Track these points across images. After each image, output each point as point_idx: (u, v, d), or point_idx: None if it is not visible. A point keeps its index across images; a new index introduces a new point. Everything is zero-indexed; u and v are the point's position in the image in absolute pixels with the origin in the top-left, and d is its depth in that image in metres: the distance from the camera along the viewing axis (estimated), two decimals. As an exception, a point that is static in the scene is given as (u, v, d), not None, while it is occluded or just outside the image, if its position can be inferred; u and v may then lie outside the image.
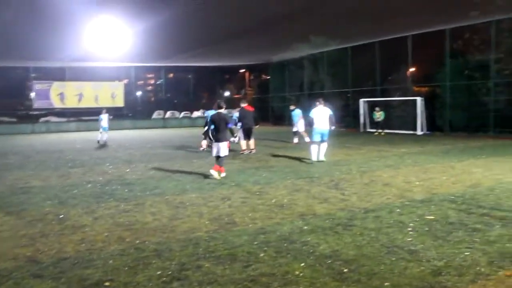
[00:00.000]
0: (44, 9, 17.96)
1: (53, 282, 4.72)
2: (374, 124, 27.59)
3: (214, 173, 11.12)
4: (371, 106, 29.01)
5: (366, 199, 8.47)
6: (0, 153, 19.10)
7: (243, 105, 16.72)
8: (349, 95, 33.38)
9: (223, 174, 11.35)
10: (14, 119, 40.59)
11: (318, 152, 13.89)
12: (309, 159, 14.06)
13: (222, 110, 11.69)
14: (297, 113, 20.45)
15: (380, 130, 26.81)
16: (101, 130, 23.31)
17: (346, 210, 7.61)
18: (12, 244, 6.12)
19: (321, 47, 32.24)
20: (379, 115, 26.63)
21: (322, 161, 13.87)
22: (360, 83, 32.86)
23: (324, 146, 14.01)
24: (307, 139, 18.77)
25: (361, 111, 29.57)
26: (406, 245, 5.62)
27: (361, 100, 29.76)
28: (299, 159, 14.69)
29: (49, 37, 24.27)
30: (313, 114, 14.02)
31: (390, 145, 19.17)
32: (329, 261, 5.14)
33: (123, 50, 28.67)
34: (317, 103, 14.33)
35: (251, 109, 16.86)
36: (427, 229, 6.33)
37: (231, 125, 11.63)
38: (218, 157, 11.34)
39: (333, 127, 14.21)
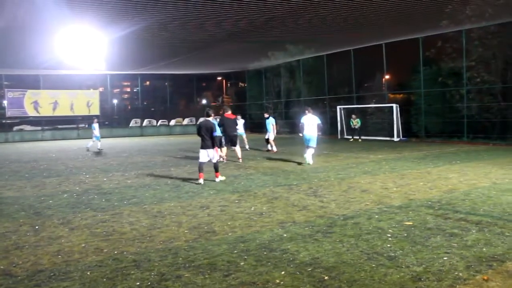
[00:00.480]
0: (18, 16, 17.65)
1: (29, 296, 4.61)
2: (351, 131, 27.87)
3: (221, 178, 11.99)
4: (348, 113, 29.32)
5: (345, 206, 8.51)
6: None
7: (226, 112, 16.31)
8: (325, 102, 33.65)
9: (221, 178, 12.06)
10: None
11: (308, 157, 15.14)
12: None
13: (210, 118, 12.10)
14: (270, 121, 20.78)
15: (356, 137, 27.12)
16: (93, 139, 23.55)
17: (326, 217, 7.63)
18: (-15, 257, 5.96)
19: (297, 55, 32.48)
20: (356, 122, 27.11)
21: (308, 163, 15.00)
22: (337, 90, 33.22)
23: (311, 151, 15.15)
24: (274, 148, 20.15)
25: (338, 117, 29.83)
26: (385, 251, 5.66)
27: (338, 107, 30.03)
28: (276, 167, 14.71)
29: (23, 45, 23.87)
30: (303, 120, 15.21)
31: (368, 152, 19.36)
32: (309, 269, 5.13)
33: (98, 58, 28.35)
34: (306, 111, 15.48)
35: (232, 116, 16.57)
36: (405, 235, 6.39)
37: (215, 134, 11.81)
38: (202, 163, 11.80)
39: (319, 133, 15.30)
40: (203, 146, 11.67)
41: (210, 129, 11.61)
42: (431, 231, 6.52)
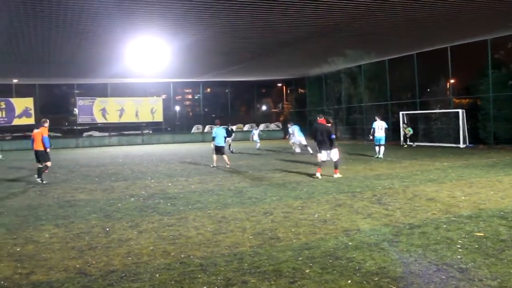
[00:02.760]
0: (87, 29, 18.58)
1: (103, 295, 4.81)
2: (405, 138, 27.92)
3: (339, 175, 13.63)
4: (412, 119, 28.65)
5: (411, 214, 8.29)
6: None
7: (319, 119, 15.44)
8: (387, 107, 32.95)
9: (339, 175, 13.67)
10: (59, 134, 42.04)
11: (379, 151, 19.81)
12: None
13: (326, 123, 14.00)
14: (295, 128, 24.15)
15: (410, 143, 27.35)
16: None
17: (391, 225, 7.47)
18: (62, 256, 6.28)
19: (358, 60, 32.05)
20: (407, 131, 27.19)
21: (380, 157, 19.55)
22: (399, 95, 32.46)
23: (382, 148, 19.81)
24: (297, 150, 23.41)
25: (401, 124, 29.13)
26: (455, 263, 5.46)
27: (401, 113, 29.33)
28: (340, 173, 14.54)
29: (93, 56, 25.08)
30: (374, 125, 20.11)
31: (432, 159, 18.77)
32: (376, 278, 5.04)
33: (162, 67, 29.28)
34: (376, 118, 20.56)
35: (324, 122, 15.47)
36: (477, 246, 6.13)
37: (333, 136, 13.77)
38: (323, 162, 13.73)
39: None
40: (322, 148, 13.45)
41: (326, 132, 13.42)
42: (505, 244, 6.22)
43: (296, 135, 23.91)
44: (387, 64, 32.38)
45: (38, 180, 14.26)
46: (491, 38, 24.57)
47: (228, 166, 17.23)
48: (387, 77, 32.61)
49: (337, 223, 7.72)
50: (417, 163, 17.43)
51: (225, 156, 17.57)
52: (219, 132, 17.78)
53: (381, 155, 19.62)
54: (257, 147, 27.34)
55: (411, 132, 27.39)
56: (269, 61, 29.63)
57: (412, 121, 28.73)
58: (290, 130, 25.40)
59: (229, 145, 24.59)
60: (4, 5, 15.02)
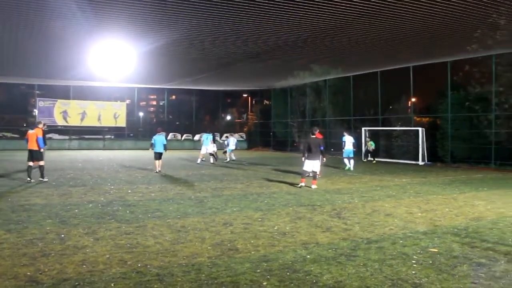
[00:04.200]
0: (51, 30, 18.20)
1: (54, 304, 4.67)
2: (366, 152, 28.10)
3: (315, 186, 14.37)
4: (373, 135, 29.22)
5: (369, 229, 8.42)
6: (1, 169, 19.09)
7: (316, 132, 15.33)
8: (350, 123, 33.50)
9: (315, 186, 14.31)
10: (16, 135, 40.75)
11: (349, 164, 21.54)
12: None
13: (314, 136, 14.77)
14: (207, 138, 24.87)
15: (371, 159, 27.62)
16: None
17: (349, 240, 7.56)
18: (12, 262, 6.06)
19: (324, 75, 32.53)
20: (369, 145, 27.45)
21: (351, 169, 21.10)
22: (362, 111, 33.11)
23: (352, 161, 21.66)
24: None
25: (363, 139, 29.67)
26: (410, 278, 5.56)
27: (363, 129, 29.88)
28: (292, 184, 14.64)
29: (55, 57, 24.53)
30: (345, 139, 22.07)
31: (392, 175, 19.17)
32: (332, 292, 5.08)
33: (126, 72, 28.91)
34: (345, 133, 22.80)
35: (320, 136, 16.48)
36: (431, 262, 6.28)
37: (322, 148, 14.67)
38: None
39: (355, 149, 22.28)
40: (310, 158, 14.18)
41: (318, 144, 14.45)
42: (457, 260, 6.40)
43: (230, 145, 26.28)
44: (352, 80, 33.04)
45: (30, 179, 14.86)
46: (451, 60, 25.42)
47: (158, 170, 18.78)
48: (351, 92, 33.26)
49: (296, 236, 7.76)
50: (377, 178, 17.76)
51: (160, 161, 19.10)
52: (158, 139, 19.21)
53: (352, 167, 21.26)
54: (228, 159, 26.42)
55: (373, 146, 27.81)
56: (235, 71, 29.71)
57: (373, 137, 29.30)
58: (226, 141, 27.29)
59: (215, 152, 25.03)
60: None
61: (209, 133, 25.69)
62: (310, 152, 14.29)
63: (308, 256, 6.50)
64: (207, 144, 24.58)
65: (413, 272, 5.81)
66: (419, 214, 10.07)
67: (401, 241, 7.46)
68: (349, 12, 15.38)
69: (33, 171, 15.24)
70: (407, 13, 15.53)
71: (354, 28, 17.62)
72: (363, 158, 28.56)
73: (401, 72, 28.99)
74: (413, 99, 30.76)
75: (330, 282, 5.39)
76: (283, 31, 18.12)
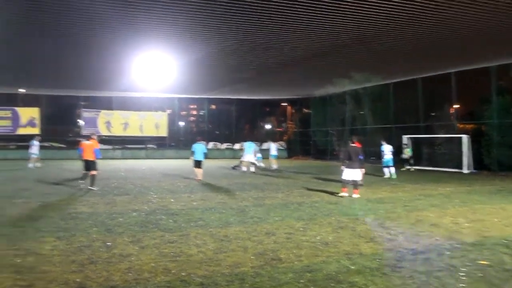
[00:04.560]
0: (95, 44, 18.80)
1: (102, 311, 4.78)
2: (403, 161, 27.43)
3: (357, 195, 14.15)
4: (414, 143, 28.64)
5: (414, 239, 8.24)
6: (49, 179, 19.74)
7: (355, 141, 15.44)
8: (391, 131, 32.95)
9: (357, 195, 14.11)
10: (63, 145, 42.13)
11: (389, 172, 21.68)
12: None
13: (353, 144, 14.75)
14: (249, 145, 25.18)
15: (409, 167, 26.95)
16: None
17: (394, 250, 7.42)
18: (62, 269, 6.26)
19: (363, 83, 32.16)
20: (406, 152, 26.75)
21: (394, 177, 21.24)
22: (403, 119, 32.49)
23: (393, 169, 21.75)
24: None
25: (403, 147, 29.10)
26: (459, 291, 5.42)
27: (404, 137, 29.32)
28: (333, 193, 14.50)
29: (99, 69, 25.26)
30: (383, 148, 22.24)
31: (436, 184, 18.71)
32: (378, 304, 5.00)
33: (168, 82, 29.46)
34: (383, 142, 22.77)
35: (358, 145, 16.12)
36: (481, 275, 6.08)
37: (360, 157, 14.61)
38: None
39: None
40: (350, 166, 14.16)
41: (357, 153, 14.39)
42: (510, 273, 6.17)
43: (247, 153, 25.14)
44: (392, 87, 32.51)
45: (82, 185, 15.99)
46: (495, 65, 24.68)
47: (198, 178, 19.22)
48: (391, 100, 32.72)
49: (339, 246, 7.68)
50: (420, 187, 17.38)
51: (201, 170, 19.41)
52: (197, 147, 19.60)
53: (394, 176, 21.39)
54: (255, 167, 26.24)
55: (410, 154, 27.17)
56: (275, 80, 29.78)
57: (415, 145, 28.69)
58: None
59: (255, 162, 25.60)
60: (11, 17, 15.20)
61: (251, 141, 26.03)
62: (349, 160, 14.28)
63: (352, 267, 6.43)
64: (250, 152, 24.86)
65: (462, 285, 5.66)
66: (466, 224, 9.79)
67: (448, 253, 7.27)
68: (390, 18, 15.20)
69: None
70: (450, 18, 15.22)
71: (395, 34, 17.37)
72: (403, 168, 28.02)
73: (442, 78, 28.34)
74: (456, 106, 29.98)
75: (376, 294, 5.30)
76: (323, 38, 18.03)
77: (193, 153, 19.69)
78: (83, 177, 16.25)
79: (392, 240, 8.20)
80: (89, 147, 16.01)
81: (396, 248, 7.60)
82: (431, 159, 29.13)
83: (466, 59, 23.07)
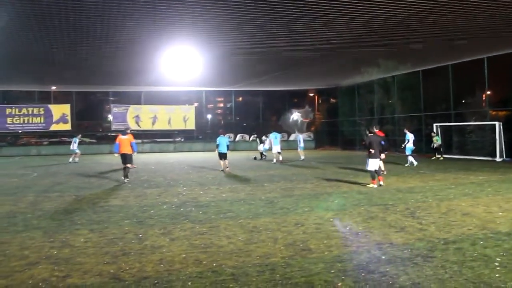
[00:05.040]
0: (124, 39, 19.04)
1: (136, 301, 4.88)
2: (432, 149, 26.90)
3: (382, 182, 14.41)
4: (445, 131, 28.12)
5: (446, 229, 8.12)
6: (82, 173, 20.19)
7: (376, 131, 15.58)
8: (421, 119, 32.41)
9: (382, 182, 14.38)
10: (94, 140, 42.98)
11: (411, 161, 21.67)
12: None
13: (375, 134, 14.65)
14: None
15: (438, 156, 26.29)
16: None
17: (425, 240, 7.33)
18: (96, 260, 6.41)
19: (392, 71, 31.69)
20: (435, 140, 26.19)
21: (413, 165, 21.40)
22: (433, 107, 31.91)
23: (411, 157, 21.89)
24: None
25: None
26: (494, 281, 5.30)
27: (435, 125, 28.81)
28: (363, 184, 14.39)
29: (128, 65, 25.60)
30: (409, 137, 22.23)
31: (467, 172, 18.35)
32: (410, 294, 4.95)
33: (195, 75, 29.62)
34: (406, 130, 22.90)
35: (381, 134, 16.55)
36: (516, 264, 5.96)
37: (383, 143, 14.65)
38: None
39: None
40: (374, 156, 14.05)
41: (379, 142, 14.31)
42: (546, 262, 6.03)
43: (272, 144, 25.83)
44: (421, 74, 31.95)
45: (125, 180, 16.38)
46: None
47: (227, 170, 19.86)
48: (421, 88, 32.15)
49: (370, 236, 7.63)
50: (451, 176, 17.08)
51: (226, 161, 20.11)
52: (222, 140, 20.25)
53: (415, 163, 21.47)
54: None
55: (439, 142, 26.58)
56: (302, 70, 29.61)
57: (446, 133, 28.16)
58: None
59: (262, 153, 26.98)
60: (42, 16, 15.51)
61: (275, 132, 26.32)
62: (373, 150, 14.11)
63: (383, 257, 6.38)
64: (277, 143, 25.25)
65: (497, 275, 5.54)
66: (500, 213, 9.57)
67: (481, 242, 7.14)
68: (420, 4, 14.91)
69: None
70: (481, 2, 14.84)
71: (426, 20, 17.03)
72: (435, 156, 27.57)
73: (474, 64, 27.66)
74: (488, 92, 29.27)
75: (407, 284, 5.26)
76: (354, 27, 17.82)
77: (217, 146, 20.34)
78: (125, 173, 16.59)
79: (423, 229, 8.10)
80: (126, 141, 16.59)
81: (428, 238, 7.50)
82: (462, 147, 28.57)
83: (499, 43, 22.44)
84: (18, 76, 30.35)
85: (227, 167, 19.87)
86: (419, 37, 19.82)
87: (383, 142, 14.58)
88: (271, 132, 26.46)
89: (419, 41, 20.83)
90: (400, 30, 18.48)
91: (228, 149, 20.29)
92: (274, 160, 24.97)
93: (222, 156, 20.13)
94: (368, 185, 14.31)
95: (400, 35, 19.47)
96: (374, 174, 14.29)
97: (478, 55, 26.37)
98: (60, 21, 16.16)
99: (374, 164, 14.16)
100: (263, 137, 28.73)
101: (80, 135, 29.27)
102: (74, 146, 27.37)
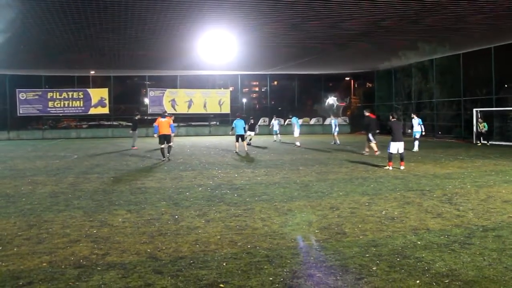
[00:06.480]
0: (160, 24, 19.18)
1: (172, 279, 4.98)
2: (478, 134, 26.26)
3: (403, 167, 14.77)
4: (486, 116, 27.33)
5: (484, 216, 7.94)
6: (118, 155, 20.64)
7: (367, 113, 20.58)
8: (460, 104, 31.57)
9: (403, 167, 14.70)
10: (130, 124, 43.70)
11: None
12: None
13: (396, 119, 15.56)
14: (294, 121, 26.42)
15: (484, 142, 25.83)
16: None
17: (463, 227, 7.20)
18: (134, 240, 6.58)
19: (430, 54, 30.88)
20: (482, 126, 25.61)
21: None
22: (473, 91, 30.99)
23: (417, 142, 21.97)
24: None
25: (474, 121, 27.88)
26: (534, 269, 5.19)
27: (474, 110, 28.02)
28: (406, 170, 14.19)
29: (164, 48, 25.79)
30: (414, 122, 22.20)
31: (508, 159, 17.82)
32: (446, 281, 4.89)
33: (230, 59, 29.64)
34: (413, 114, 22.84)
35: (373, 116, 20.44)
36: (558, 253, 5.79)
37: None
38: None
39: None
40: (395, 139, 14.61)
41: (399, 127, 14.94)
42: None
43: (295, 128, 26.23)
44: (462, 58, 31.00)
45: (165, 158, 17.89)
46: None
47: (246, 150, 21.40)
48: (461, 72, 31.23)
49: (405, 221, 7.55)
50: (491, 162, 16.63)
51: (244, 143, 21.33)
52: (238, 123, 21.46)
53: (416, 149, 21.41)
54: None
55: (486, 128, 25.97)
56: (338, 54, 29.19)
57: (486, 118, 27.37)
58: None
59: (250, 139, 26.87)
60: (81, 2, 15.77)
61: (295, 116, 27.28)
62: (394, 134, 14.73)
63: (419, 242, 6.31)
64: (298, 127, 26.04)
65: (538, 263, 5.41)
66: (542, 201, 9.30)
67: (521, 230, 6.96)
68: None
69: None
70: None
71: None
72: (474, 141, 26.85)
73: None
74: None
75: (444, 270, 5.19)
76: (390, 8, 17.39)
77: (233, 128, 21.61)
78: (162, 152, 18.04)
79: (460, 216, 7.95)
80: (166, 123, 17.97)
81: (465, 224, 7.36)
82: (504, 133, 27.72)
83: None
84: (58, 62, 31.04)
85: (249, 145, 21.04)
86: (460, 17, 19.13)
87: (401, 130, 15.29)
88: (291, 117, 27.42)
89: (460, 22, 20.13)
90: (440, 10, 17.88)
91: (245, 131, 21.45)
92: (298, 143, 25.27)
93: (240, 137, 21.30)
94: (385, 167, 15.00)
95: (440, 16, 18.85)
96: (391, 156, 14.88)
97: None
98: (99, 8, 16.40)
99: (394, 147, 14.74)
100: (273, 120, 30.04)
101: (139, 115, 27.94)
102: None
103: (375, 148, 19.70)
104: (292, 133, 26.76)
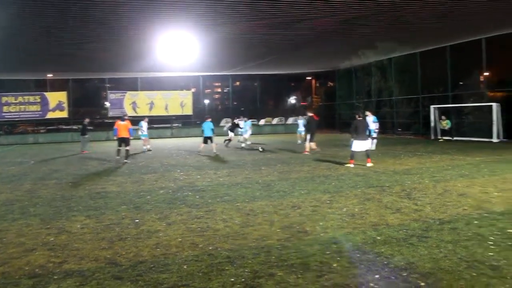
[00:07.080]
0: (118, 26, 18.90)
1: (132, 285, 4.90)
2: (441, 131, 27.26)
3: (370, 164, 14.96)
4: (442, 113, 28.13)
5: (441, 209, 8.15)
6: (77, 159, 20.18)
7: (310, 114, 21.29)
8: (418, 101, 32.36)
9: (370, 164, 14.89)
10: (91, 127, 42.83)
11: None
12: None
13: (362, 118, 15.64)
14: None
15: (447, 138, 26.86)
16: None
17: (420, 221, 7.37)
18: (93, 246, 6.43)
19: (389, 53, 31.55)
20: (445, 124, 26.51)
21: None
22: (430, 89, 31.83)
23: (375, 140, 20.72)
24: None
25: (432, 117, 28.62)
26: (487, 260, 5.35)
27: (432, 107, 28.78)
28: (361, 165, 14.44)
29: (124, 51, 25.42)
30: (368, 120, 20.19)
31: (464, 153, 18.38)
32: (404, 274, 4.99)
33: (191, 60, 29.47)
34: (368, 112, 20.86)
35: (316, 118, 21.23)
36: (510, 243, 5.98)
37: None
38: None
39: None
40: (359, 138, 14.75)
41: (367, 125, 15.33)
42: (540, 240, 6.07)
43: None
44: (419, 56, 31.80)
45: (119, 157, 18.35)
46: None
47: (214, 152, 20.88)
48: (418, 70, 32.03)
49: (366, 218, 7.66)
50: (448, 157, 17.11)
51: (213, 144, 21.08)
52: (205, 126, 21.50)
53: (373, 147, 20.45)
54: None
55: (449, 125, 26.86)
56: (299, 54, 29.45)
57: (443, 115, 28.16)
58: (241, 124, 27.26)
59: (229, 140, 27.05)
60: (36, 4, 15.35)
61: (247, 118, 27.79)
62: (358, 133, 14.89)
63: (378, 238, 6.42)
64: (248, 130, 26.02)
65: (491, 253, 5.58)
66: (495, 193, 9.61)
67: (476, 222, 7.17)
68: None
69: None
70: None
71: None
72: (432, 137, 27.57)
73: (471, 45, 27.51)
74: (486, 73, 29.14)
75: (402, 264, 5.30)
76: (348, 7, 17.63)
77: (202, 131, 21.50)
78: (118, 153, 18.41)
79: (418, 210, 8.13)
80: (124, 126, 18.37)
81: (423, 218, 7.53)
82: (460, 129, 28.58)
83: (497, 23, 22.28)
84: (13, 65, 30.14)
85: (221, 145, 20.90)
86: (416, 16, 19.60)
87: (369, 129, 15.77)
88: (244, 120, 27.28)
89: (417, 22, 20.64)
90: (396, 9, 18.28)
91: (213, 133, 21.30)
92: (244, 145, 25.29)
93: (208, 139, 21.23)
94: (346, 164, 15.27)
95: (396, 15, 19.27)
96: (354, 155, 15.20)
97: (476, 36, 26.21)
98: (54, 8, 16.00)
99: (357, 145, 14.97)
100: (240, 122, 28.44)
101: (147, 119, 26.59)
102: (142, 131, 25.19)
103: (307, 148, 20.28)
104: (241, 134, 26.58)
